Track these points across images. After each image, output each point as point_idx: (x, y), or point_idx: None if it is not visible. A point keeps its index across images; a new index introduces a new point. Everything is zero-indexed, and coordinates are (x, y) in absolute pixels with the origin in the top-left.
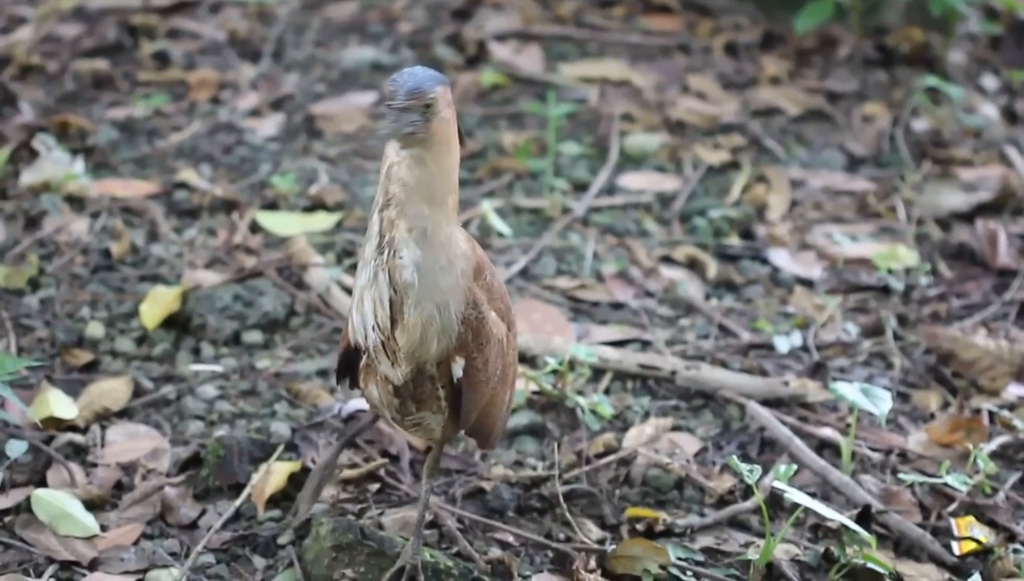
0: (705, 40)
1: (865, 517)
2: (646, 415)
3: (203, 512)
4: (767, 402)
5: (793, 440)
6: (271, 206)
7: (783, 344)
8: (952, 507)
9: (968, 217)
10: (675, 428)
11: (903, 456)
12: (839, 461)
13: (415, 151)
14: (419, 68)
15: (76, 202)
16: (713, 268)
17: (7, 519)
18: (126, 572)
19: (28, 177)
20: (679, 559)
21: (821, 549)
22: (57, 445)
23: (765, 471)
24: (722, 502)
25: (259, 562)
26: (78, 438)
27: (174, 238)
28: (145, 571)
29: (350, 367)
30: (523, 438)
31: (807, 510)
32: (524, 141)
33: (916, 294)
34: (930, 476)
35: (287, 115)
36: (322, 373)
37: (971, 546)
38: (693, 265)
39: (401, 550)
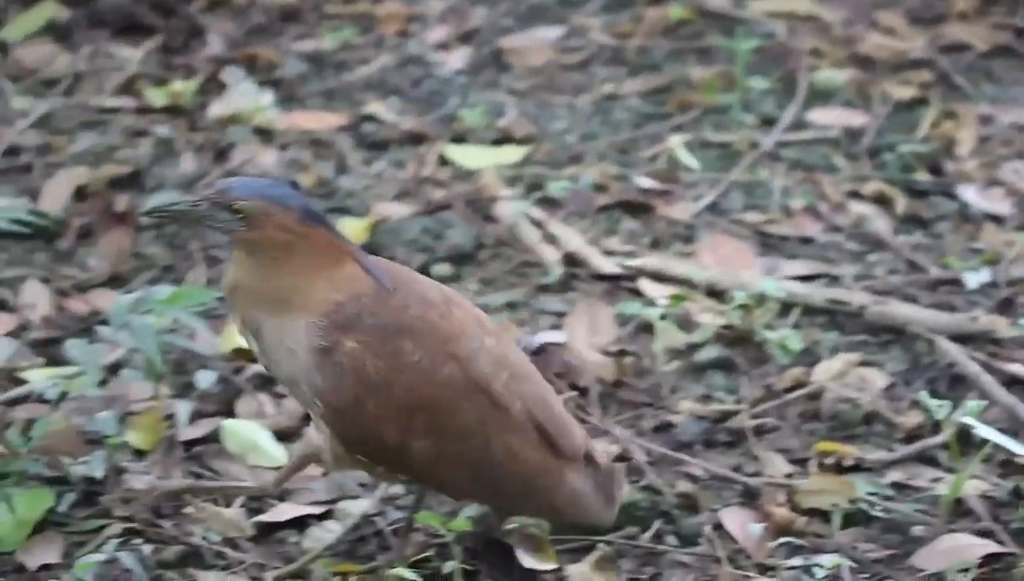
0: None
1: None
2: (834, 350)
3: None
4: (956, 338)
5: (982, 376)
6: (459, 139)
7: (972, 280)
8: None
9: None
10: (863, 363)
11: None
12: None
13: (241, 254)
14: (269, 181)
15: (264, 134)
16: (902, 203)
17: (197, 449)
18: (315, 502)
19: (217, 109)
20: (868, 494)
21: (1011, 485)
22: (246, 376)
23: (954, 407)
24: (910, 437)
25: None
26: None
27: (362, 171)
28: (334, 501)
29: None
30: (711, 372)
31: (996, 446)
32: (712, 75)
33: None
34: None
35: (475, 48)
36: (511, 306)
37: None
38: (881, 200)
39: None
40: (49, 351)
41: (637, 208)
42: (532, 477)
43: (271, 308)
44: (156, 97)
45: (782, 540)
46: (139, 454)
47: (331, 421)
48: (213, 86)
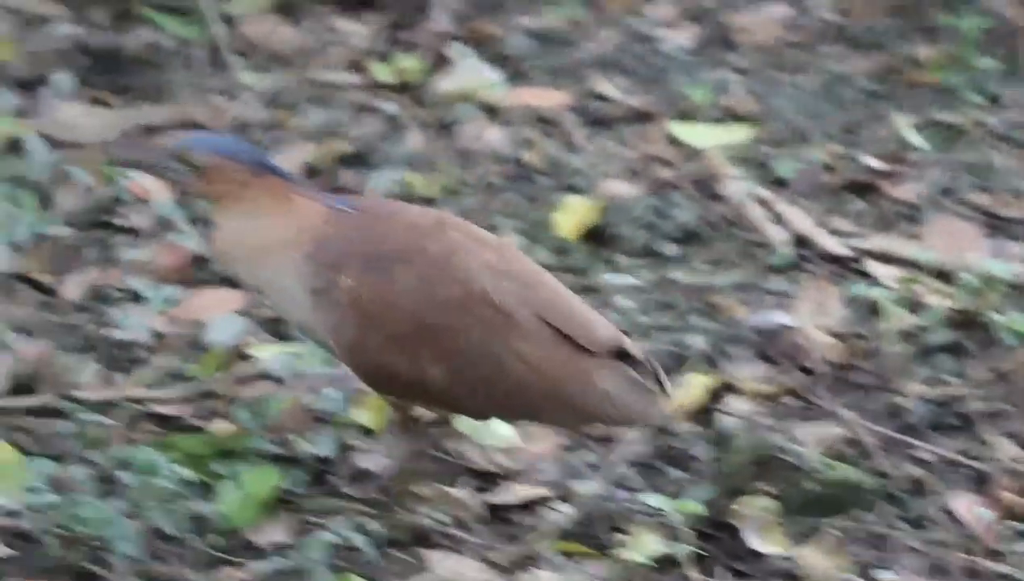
0: None
1: None
2: None
3: None
4: None
5: None
6: (685, 117)
7: None
8: None
9: None
10: None
11: None
12: None
13: (217, 218)
14: (228, 139)
15: (490, 111)
16: None
17: (428, 428)
18: (544, 483)
19: (443, 85)
20: None
21: None
22: None
23: None
24: None
25: (674, 474)
26: None
27: (588, 149)
28: (563, 482)
29: None
30: (939, 355)
31: None
32: (938, 55)
33: None
34: None
35: (701, 26)
36: (739, 286)
37: None
38: None
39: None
40: (278, 329)
41: (864, 188)
42: (557, 384)
43: (259, 261)
44: (382, 73)
45: (1012, 525)
46: (368, 433)
47: (346, 361)
48: (439, 62)
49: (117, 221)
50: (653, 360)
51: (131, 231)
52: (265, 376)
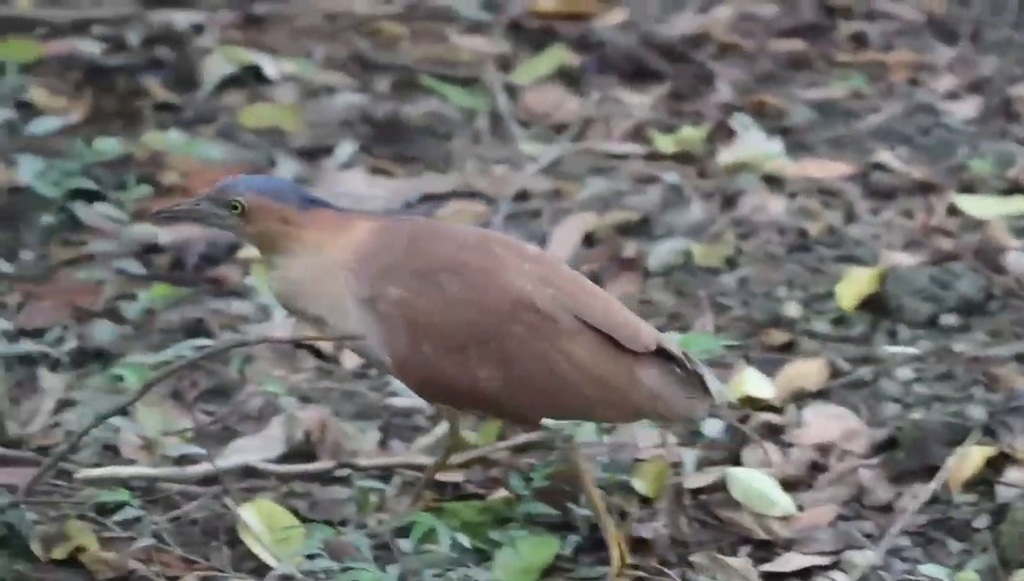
0: None
1: None
2: None
3: (898, 494)
4: None
5: None
6: (968, 189)
7: None
8: None
9: None
10: None
11: None
12: None
13: (266, 259)
14: (265, 177)
15: (773, 182)
16: None
17: (703, 497)
18: (821, 552)
19: (725, 156)
20: None
21: None
22: (753, 424)
23: None
24: None
25: (954, 546)
26: (774, 418)
27: (870, 219)
28: (840, 552)
29: None
30: None
31: None
32: None
33: None
34: None
35: (985, 97)
36: (1020, 358)
37: None
38: None
39: None
40: None
41: None
42: (604, 382)
43: (315, 289)
44: (664, 143)
45: None
46: (644, 501)
47: (401, 375)
48: (722, 133)
49: None
50: (694, 358)
51: None
52: (540, 444)
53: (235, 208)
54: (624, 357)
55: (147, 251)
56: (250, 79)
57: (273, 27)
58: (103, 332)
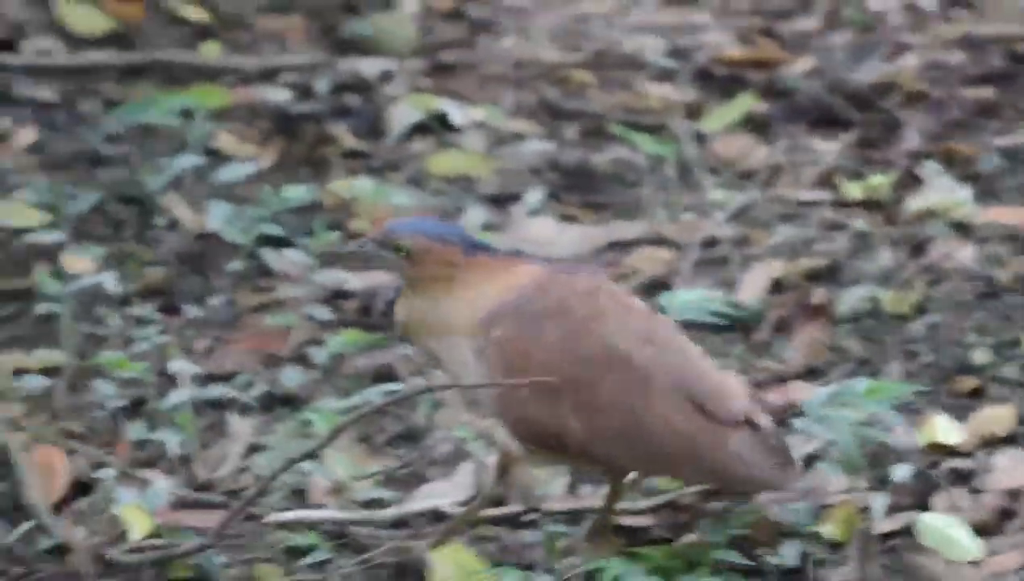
0: None
1: None
2: None
3: None
4: None
5: None
6: None
7: None
8: None
9: None
10: None
11: None
12: None
13: (403, 289)
14: (431, 220)
15: (961, 229)
16: None
17: (892, 542)
18: None
19: (913, 203)
20: None
21: None
22: (943, 469)
23: None
24: None
25: None
26: (963, 463)
27: None
28: None
29: None
30: None
31: None
32: None
33: None
34: None
35: None
36: None
37: None
38: None
39: None
40: None
41: None
42: (692, 443)
43: (442, 334)
44: (852, 190)
45: None
46: (834, 547)
47: (496, 412)
48: (909, 180)
49: None
50: (781, 433)
51: None
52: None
53: (401, 250)
54: (714, 422)
55: (336, 297)
56: (438, 126)
57: (461, 74)
58: (292, 377)
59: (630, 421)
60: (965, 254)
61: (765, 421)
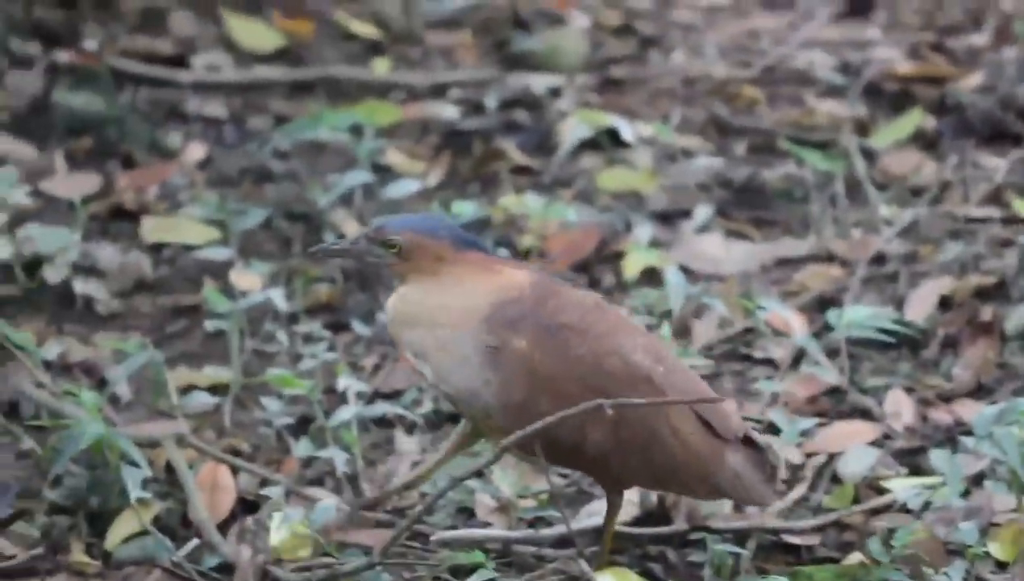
0: None
1: None
2: None
3: None
4: None
5: None
6: None
7: None
8: None
9: None
10: None
11: None
12: None
13: (397, 284)
14: (422, 216)
15: None
16: None
17: None
18: None
19: None
20: None
21: None
22: None
23: None
24: None
25: None
26: None
27: None
28: None
29: None
30: None
31: None
32: None
33: None
34: None
35: None
36: None
37: None
38: None
39: None
40: (912, 460)
41: None
42: (699, 459)
43: (434, 325)
44: (1022, 207)
45: None
46: (1001, 565)
47: (508, 422)
48: None
49: (755, 353)
50: (774, 451)
51: (768, 363)
52: (898, 507)
53: (392, 246)
54: (716, 438)
55: None
56: (607, 142)
57: (630, 90)
58: None
59: (648, 435)
60: None
61: (761, 439)
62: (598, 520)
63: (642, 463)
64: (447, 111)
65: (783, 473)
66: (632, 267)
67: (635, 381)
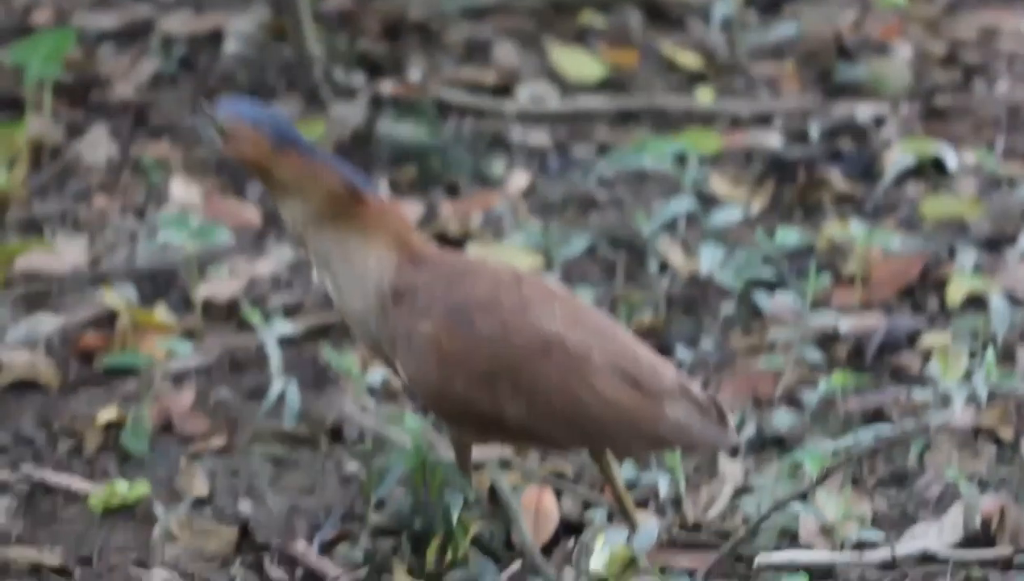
0: None
1: None
2: None
3: None
4: None
5: None
6: None
7: None
8: None
9: None
10: None
11: None
12: None
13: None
14: (262, 108)
15: None
16: None
17: None
18: None
19: None
20: None
21: None
22: None
23: None
24: None
25: None
26: None
27: None
28: None
29: None
30: None
31: None
32: None
33: None
34: None
35: None
36: None
37: None
38: None
39: None
40: None
41: None
42: (631, 416)
43: (326, 239)
44: None
45: None
46: None
47: (425, 401)
48: None
49: None
50: (716, 398)
51: None
52: None
53: (219, 129)
54: (650, 393)
55: (827, 339)
56: (931, 170)
57: (955, 118)
58: (782, 419)
59: (570, 400)
60: None
61: (697, 388)
62: (923, 543)
63: (569, 429)
64: (771, 140)
65: (730, 417)
66: (956, 293)
67: (547, 349)
